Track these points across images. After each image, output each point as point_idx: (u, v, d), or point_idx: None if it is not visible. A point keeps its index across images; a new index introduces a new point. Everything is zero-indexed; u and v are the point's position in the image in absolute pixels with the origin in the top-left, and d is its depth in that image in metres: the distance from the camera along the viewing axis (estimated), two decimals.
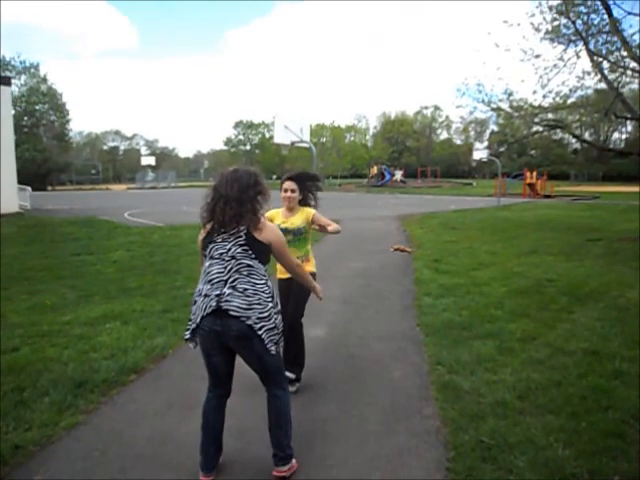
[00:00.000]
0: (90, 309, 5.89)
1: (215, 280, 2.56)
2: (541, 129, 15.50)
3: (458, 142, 78.64)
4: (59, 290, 6.91)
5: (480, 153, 32.67)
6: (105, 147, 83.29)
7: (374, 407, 3.50)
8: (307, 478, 2.70)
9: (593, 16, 12.10)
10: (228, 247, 2.57)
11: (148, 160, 58.28)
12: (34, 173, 45.13)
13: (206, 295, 2.56)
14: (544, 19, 12.42)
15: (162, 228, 14.45)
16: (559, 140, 43.63)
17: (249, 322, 2.51)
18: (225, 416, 2.79)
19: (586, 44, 12.15)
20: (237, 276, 2.55)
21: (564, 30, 12.36)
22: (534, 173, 33.55)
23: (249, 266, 2.58)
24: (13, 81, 40.52)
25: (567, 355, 4.32)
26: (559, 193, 33.19)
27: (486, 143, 59.20)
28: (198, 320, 2.58)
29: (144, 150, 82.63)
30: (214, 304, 2.52)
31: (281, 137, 14.82)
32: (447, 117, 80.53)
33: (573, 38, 12.33)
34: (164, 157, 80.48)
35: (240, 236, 2.57)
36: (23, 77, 52.71)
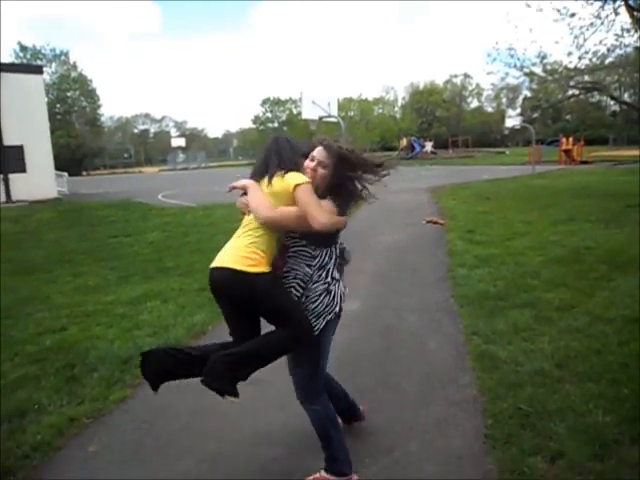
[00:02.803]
0: (131, 289, 6.10)
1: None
2: (577, 92, 14.98)
3: (489, 110, 76.45)
4: (100, 272, 7.16)
5: (513, 120, 31.91)
6: (136, 130, 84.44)
7: (410, 378, 3.55)
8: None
9: None
10: None
11: (178, 142, 58.96)
12: (69, 159, 46.22)
13: (339, 280, 2.48)
14: None
15: (195, 208, 14.67)
16: (596, 103, 41.80)
17: None
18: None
19: None
20: None
21: None
22: (570, 139, 32.32)
23: None
24: (44, 69, 41.24)
25: (607, 323, 4.25)
26: (597, 158, 31.92)
27: (519, 110, 57.50)
28: (337, 309, 2.43)
29: (174, 132, 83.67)
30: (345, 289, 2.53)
31: (309, 112, 14.74)
32: (477, 85, 78.09)
33: None
34: (193, 138, 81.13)
35: None
36: (54, 65, 53.79)
